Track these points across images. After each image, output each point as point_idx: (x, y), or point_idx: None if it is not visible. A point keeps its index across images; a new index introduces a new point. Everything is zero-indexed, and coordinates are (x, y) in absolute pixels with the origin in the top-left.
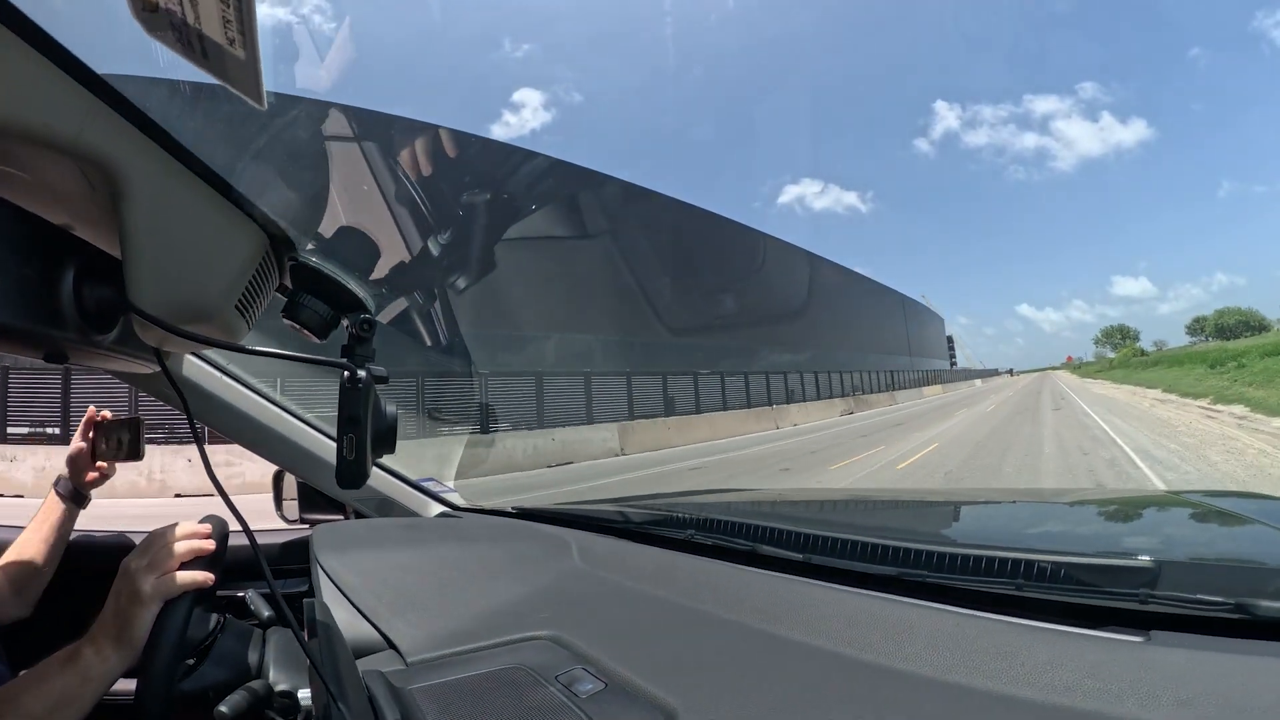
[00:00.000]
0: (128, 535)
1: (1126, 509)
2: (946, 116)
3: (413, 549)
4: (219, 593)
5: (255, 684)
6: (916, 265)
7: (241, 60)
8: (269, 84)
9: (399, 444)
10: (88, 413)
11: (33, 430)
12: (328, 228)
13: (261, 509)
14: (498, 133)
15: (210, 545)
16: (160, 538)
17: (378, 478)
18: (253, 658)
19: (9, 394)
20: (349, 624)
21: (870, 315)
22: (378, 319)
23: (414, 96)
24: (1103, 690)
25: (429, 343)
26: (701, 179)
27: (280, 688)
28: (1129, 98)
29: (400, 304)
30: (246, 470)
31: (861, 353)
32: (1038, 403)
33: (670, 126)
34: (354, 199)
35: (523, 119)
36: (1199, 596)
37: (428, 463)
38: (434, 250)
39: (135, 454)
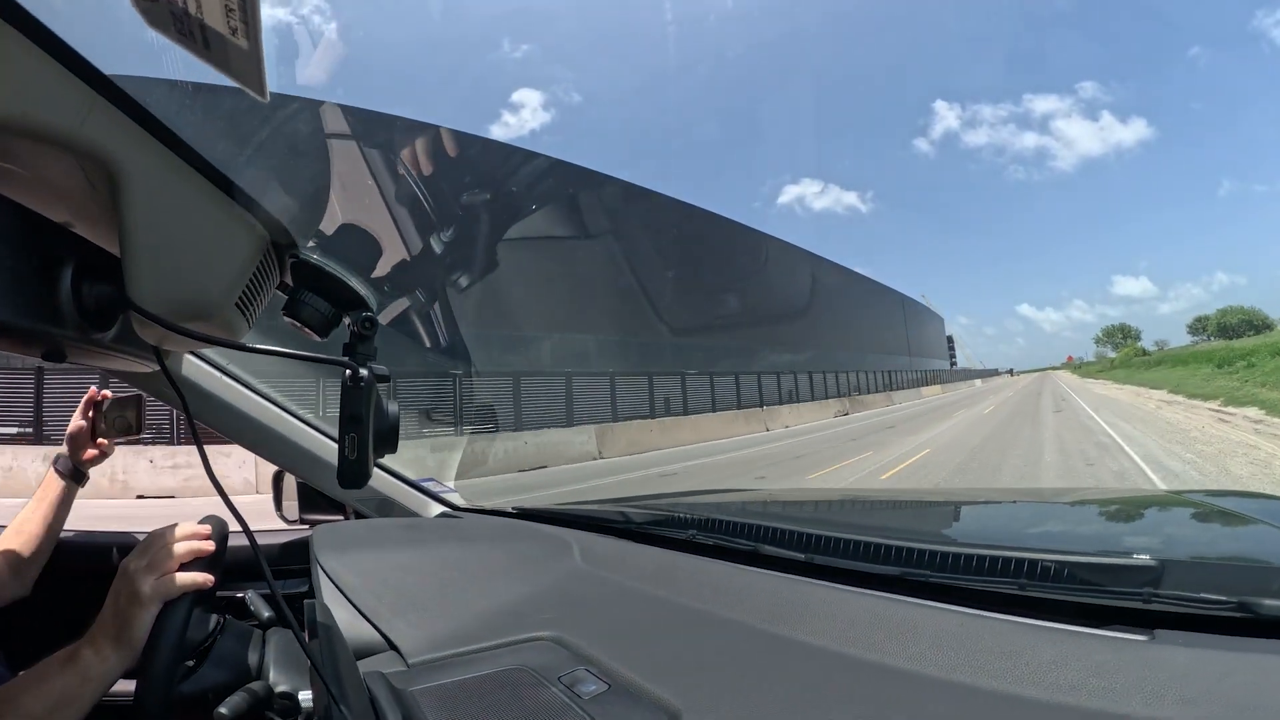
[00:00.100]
0: (127, 536)
1: (1129, 509)
2: (946, 116)
3: (413, 549)
4: (218, 594)
5: (255, 685)
6: (916, 265)
7: (244, 51)
8: (269, 83)
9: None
10: (89, 392)
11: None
12: (329, 225)
13: (248, 510)
14: (497, 133)
15: (210, 546)
16: (160, 538)
17: (377, 478)
18: (252, 659)
19: None
20: (350, 625)
21: (870, 315)
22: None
23: (412, 97)
24: (1108, 689)
25: (409, 341)
26: (701, 179)
27: (280, 689)
28: (1129, 97)
29: (386, 303)
30: (200, 474)
31: (861, 353)
32: (1037, 404)
33: (669, 126)
34: (355, 197)
35: (521, 119)
36: (1202, 595)
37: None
38: (426, 249)
39: (137, 430)
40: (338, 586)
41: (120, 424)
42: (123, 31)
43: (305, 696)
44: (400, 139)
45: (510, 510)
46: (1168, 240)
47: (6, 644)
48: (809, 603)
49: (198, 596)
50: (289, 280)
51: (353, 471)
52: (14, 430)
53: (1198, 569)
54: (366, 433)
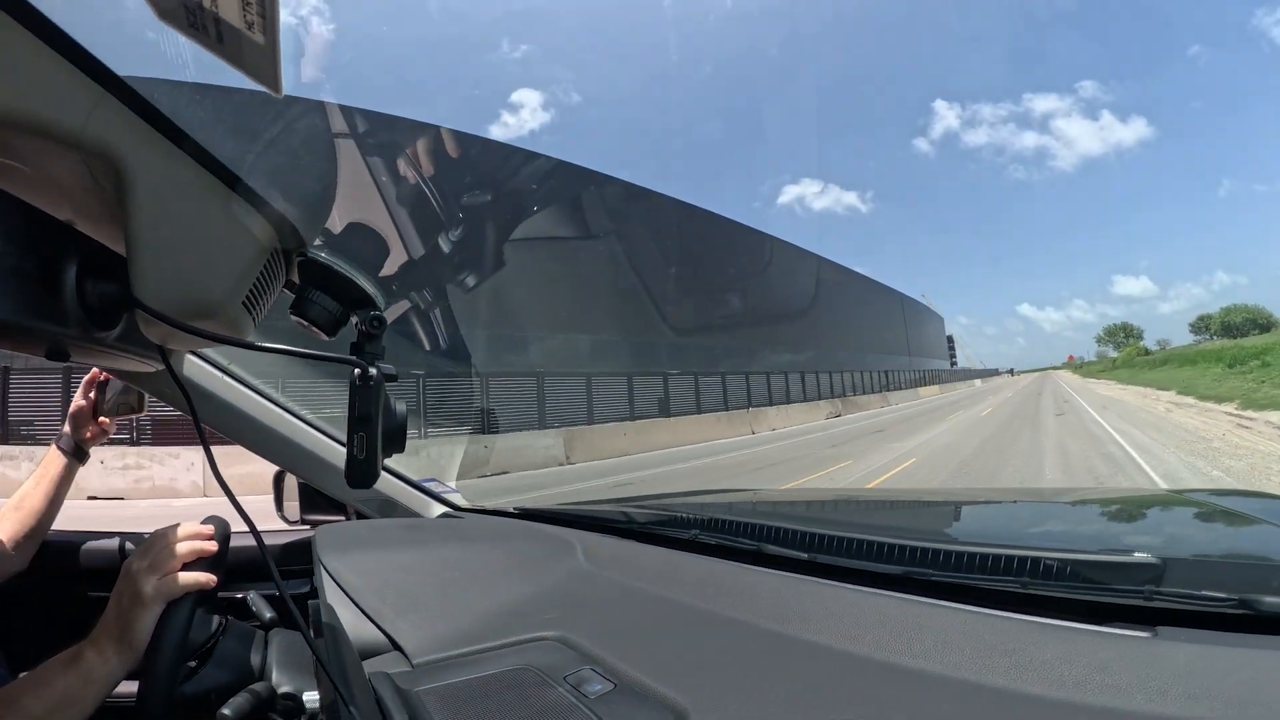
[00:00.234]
0: (129, 537)
1: (1130, 508)
2: (946, 116)
3: (416, 550)
4: (220, 594)
5: (258, 686)
6: (916, 265)
7: (260, 45)
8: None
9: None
10: (90, 372)
11: None
12: (335, 224)
13: (209, 511)
14: (496, 133)
15: (213, 546)
16: (162, 539)
17: (380, 478)
18: (255, 660)
19: None
20: (353, 625)
21: (869, 315)
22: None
23: (411, 97)
24: (1111, 685)
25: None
26: (700, 179)
27: (283, 690)
28: (1129, 96)
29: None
30: (155, 474)
31: (860, 353)
32: (1038, 406)
33: (668, 126)
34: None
35: (521, 119)
36: (1204, 593)
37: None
38: (431, 249)
39: (138, 410)
40: (341, 587)
41: (122, 405)
42: (129, 26)
43: (308, 697)
44: (404, 139)
45: (512, 510)
46: (1168, 239)
47: (8, 645)
48: (813, 602)
49: (200, 597)
50: (295, 278)
51: (361, 471)
52: None
53: (1199, 567)
54: (375, 432)
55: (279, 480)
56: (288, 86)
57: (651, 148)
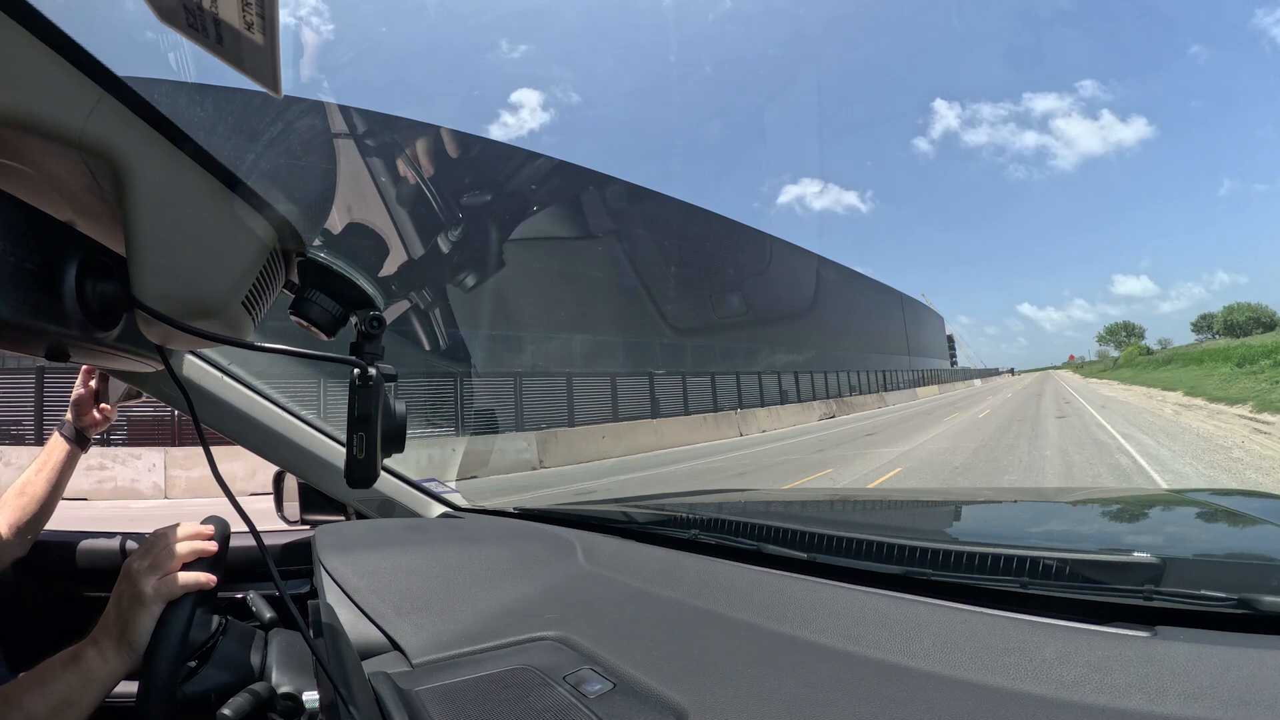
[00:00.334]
0: (129, 537)
1: (1131, 508)
2: (946, 115)
3: (416, 550)
4: (219, 594)
5: (258, 686)
6: (917, 265)
7: (259, 46)
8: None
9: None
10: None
11: None
12: (335, 224)
13: (162, 516)
14: (496, 134)
15: (212, 547)
16: (162, 539)
17: (380, 478)
18: (255, 660)
19: None
20: (353, 625)
21: (869, 315)
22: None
23: (410, 97)
24: (1111, 685)
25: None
26: (700, 179)
27: (283, 690)
28: (1129, 95)
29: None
30: (118, 474)
31: (860, 353)
32: (1038, 408)
33: (669, 126)
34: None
35: (520, 120)
36: (1203, 592)
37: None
38: (431, 250)
39: (139, 395)
40: (341, 587)
41: (129, 391)
42: (129, 26)
43: (308, 697)
44: (404, 139)
45: (512, 510)
46: (1169, 239)
47: (7, 645)
48: (813, 601)
49: (200, 597)
50: (295, 279)
51: (361, 471)
52: None
53: (1198, 566)
54: (375, 432)
55: (279, 480)
56: (287, 87)
57: (651, 147)
